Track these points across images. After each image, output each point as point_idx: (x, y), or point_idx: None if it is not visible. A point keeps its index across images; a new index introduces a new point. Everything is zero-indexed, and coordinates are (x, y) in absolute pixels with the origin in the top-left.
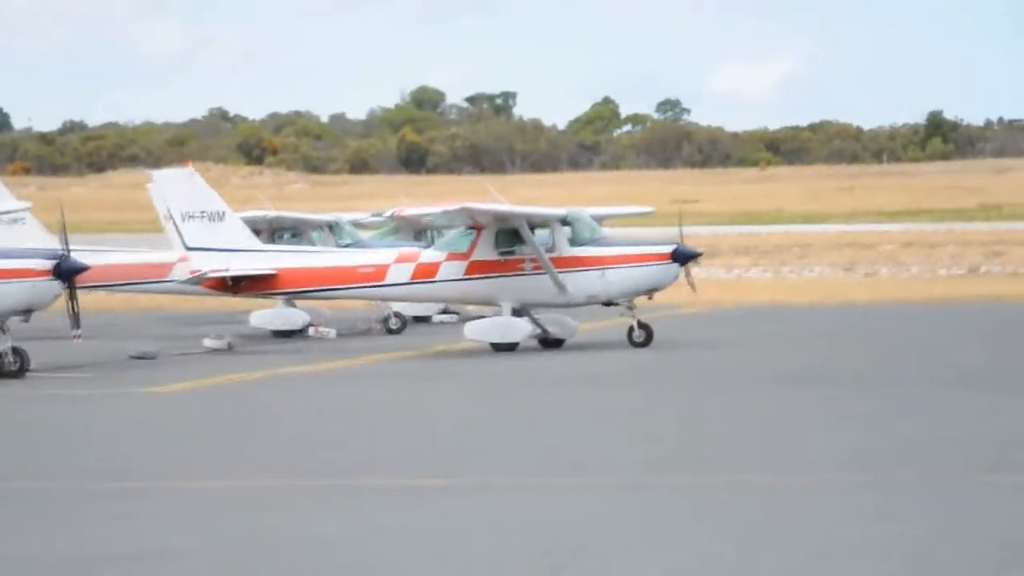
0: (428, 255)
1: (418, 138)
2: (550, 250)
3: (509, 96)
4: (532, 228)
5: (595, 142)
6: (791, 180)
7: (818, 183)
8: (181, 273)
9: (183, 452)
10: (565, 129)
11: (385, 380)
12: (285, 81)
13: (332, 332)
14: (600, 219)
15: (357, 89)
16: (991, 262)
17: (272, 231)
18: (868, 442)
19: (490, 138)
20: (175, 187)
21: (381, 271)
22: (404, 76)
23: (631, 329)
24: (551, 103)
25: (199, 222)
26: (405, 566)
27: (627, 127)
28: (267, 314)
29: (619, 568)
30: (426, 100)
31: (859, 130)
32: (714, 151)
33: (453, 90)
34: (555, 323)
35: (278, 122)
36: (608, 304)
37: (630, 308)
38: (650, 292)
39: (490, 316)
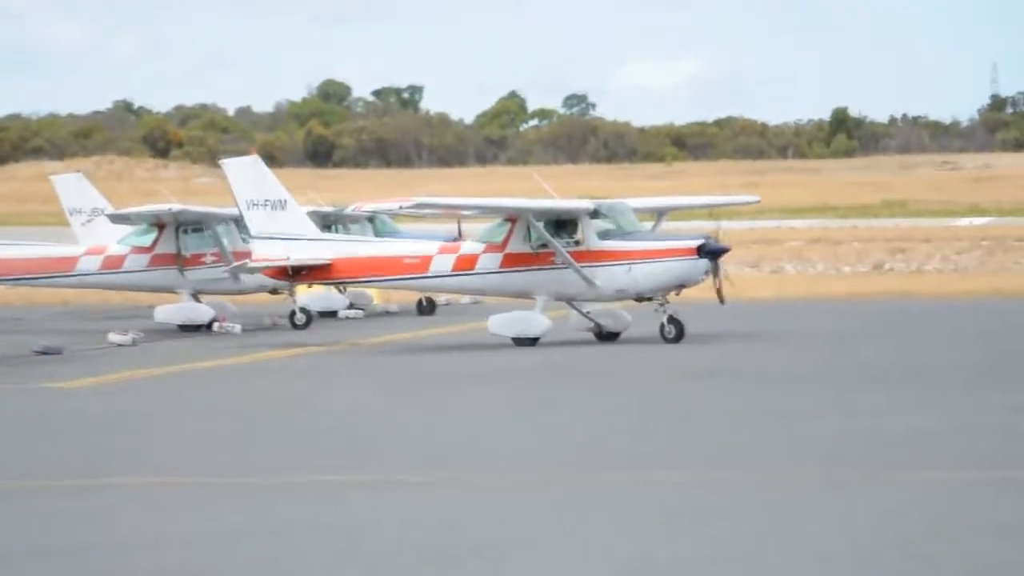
0: (469, 246)
1: (325, 131)
2: (579, 244)
3: (416, 90)
4: (562, 222)
5: (502, 136)
6: (697, 175)
7: (724, 179)
8: (87, 267)
9: (86, 448)
10: (472, 123)
11: (290, 375)
12: (191, 74)
13: (237, 327)
14: (706, 207)
15: (264, 82)
16: (895, 259)
17: (177, 225)
18: (769, 437)
19: (397, 132)
20: (240, 174)
21: (426, 262)
22: (311, 70)
23: (662, 325)
24: (458, 97)
25: (262, 210)
26: (308, 562)
27: (534, 122)
28: (172, 309)
29: (518, 564)
30: (333, 94)
31: (764, 126)
32: (620, 146)
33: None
34: (609, 316)
35: (184, 115)
36: (640, 299)
37: (662, 304)
38: (678, 288)
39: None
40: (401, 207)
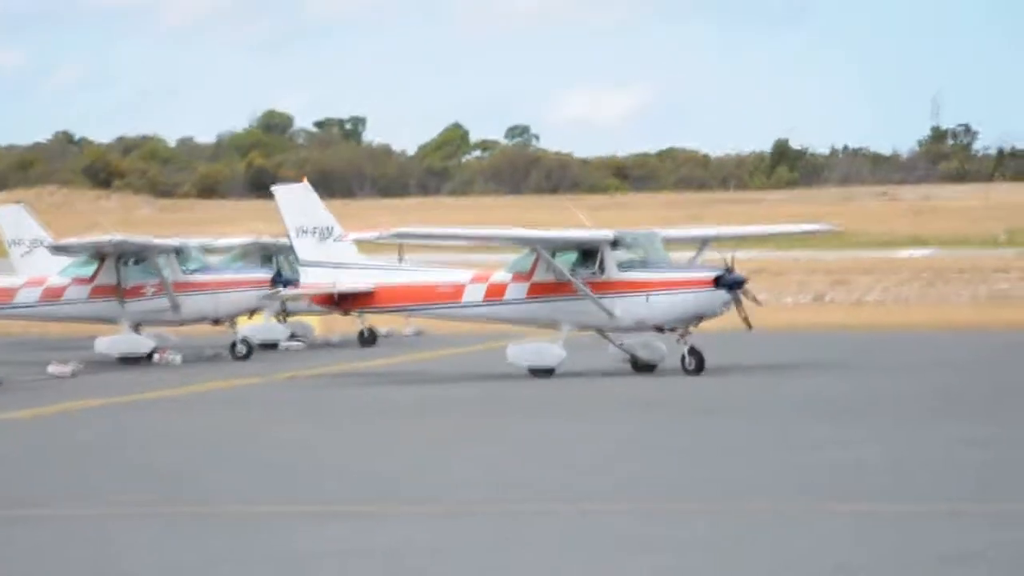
0: (498, 276)
1: (266, 162)
2: (597, 274)
3: (358, 121)
4: (585, 252)
5: (444, 167)
6: (640, 207)
7: (666, 211)
8: (26, 298)
9: (26, 480)
10: (414, 154)
11: (230, 407)
12: (132, 104)
13: (178, 358)
14: (774, 236)
15: (205, 113)
16: (836, 290)
17: (118, 256)
18: (715, 471)
19: (339, 163)
20: (290, 201)
21: (459, 291)
22: (252, 100)
23: (683, 356)
24: (401, 128)
25: (311, 237)
26: None
27: (476, 152)
28: (113, 340)
29: None
30: (274, 124)
31: (706, 157)
32: (563, 177)
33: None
34: (644, 347)
35: (125, 145)
36: (660, 330)
37: (683, 336)
38: (697, 319)
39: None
40: (379, 237)
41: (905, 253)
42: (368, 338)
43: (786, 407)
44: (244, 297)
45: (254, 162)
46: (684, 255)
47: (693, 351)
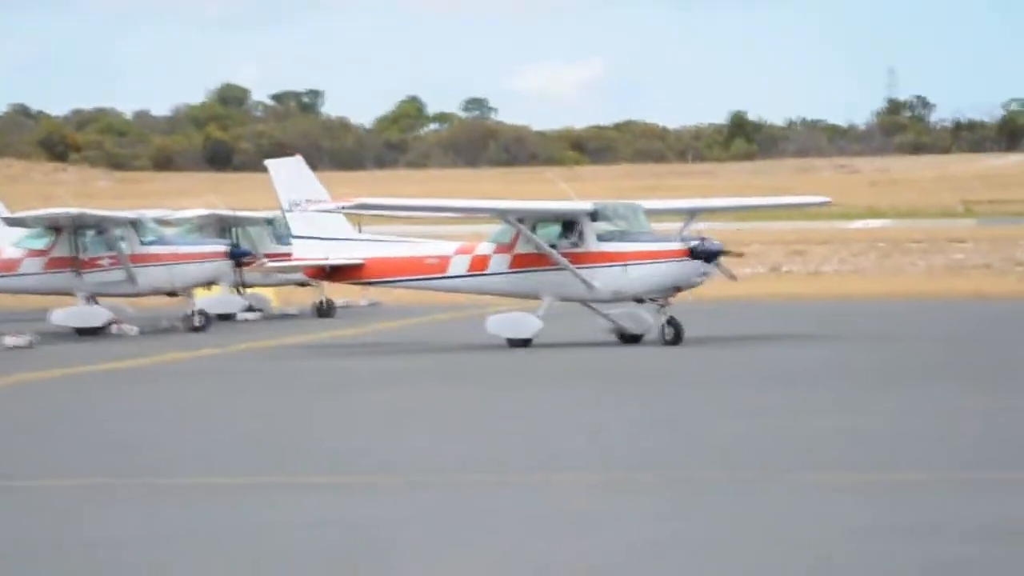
0: (482, 247)
1: (224, 135)
2: (577, 245)
3: (316, 94)
4: (566, 223)
5: (401, 140)
6: (597, 179)
7: (623, 182)
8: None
9: None
10: (372, 127)
11: (187, 378)
12: (88, 77)
13: (134, 330)
14: (766, 208)
15: (162, 86)
16: (793, 260)
17: (75, 228)
18: (670, 442)
19: (296, 136)
20: (283, 175)
21: (444, 263)
22: (209, 73)
23: (662, 327)
24: (358, 101)
25: (303, 210)
26: (197, 566)
27: (433, 126)
28: (69, 312)
29: (417, 567)
30: (231, 97)
31: (664, 130)
32: (520, 150)
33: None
34: (630, 318)
35: (81, 119)
36: (639, 301)
37: (662, 306)
38: (674, 290)
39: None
40: (342, 207)
41: (861, 224)
42: (325, 309)
43: (737, 377)
44: (201, 269)
45: (211, 135)
46: (674, 227)
47: (671, 322)
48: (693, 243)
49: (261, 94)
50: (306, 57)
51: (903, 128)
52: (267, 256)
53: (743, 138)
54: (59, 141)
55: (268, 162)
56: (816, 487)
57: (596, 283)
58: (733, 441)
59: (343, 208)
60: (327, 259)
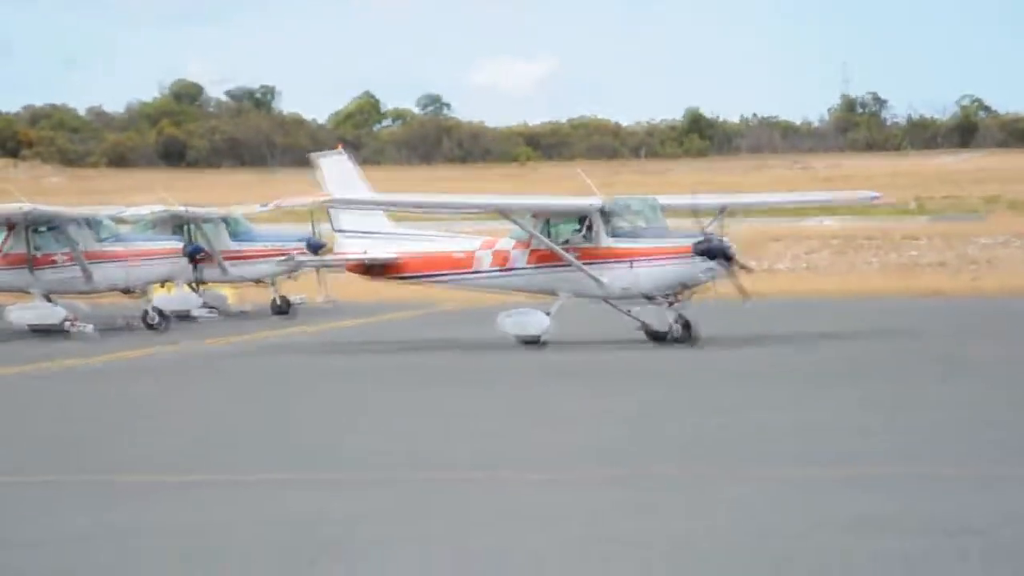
0: (503, 243)
1: (177, 131)
2: (588, 241)
3: (269, 91)
4: (582, 219)
5: (356, 137)
6: (551, 176)
7: (577, 179)
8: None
9: None
10: (325, 123)
11: (141, 376)
12: (40, 73)
13: (90, 328)
14: (821, 204)
15: (115, 82)
16: (746, 258)
17: (27, 225)
18: (631, 438)
19: (250, 132)
20: (329, 169)
21: (470, 258)
22: (162, 69)
23: (670, 325)
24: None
25: (350, 207)
26: (154, 563)
27: (388, 122)
28: (24, 310)
29: (372, 563)
30: (185, 93)
31: (618, 126)
32: (475, 146)
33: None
34: (654, 316)
35: (33, 115)
36: (648, 299)
37: (671, 304)
38: (680, 288)
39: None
40: (314, 203)
41: (815, 221)
42: (282, 307)
43: (696, 373)
44: (157, 267)
45: (164, 131)
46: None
47: (680, 319)
48: (698, 240)
49: (215, 90)
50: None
51: (857, 125)
52: (223, 254)
53: (697, 135)
54: (11, 137)
55: (314, 156)
56: (778, 481)
57: (605, 280)
58: (697, 437)
59: (316, 203)
60: (365, 254)
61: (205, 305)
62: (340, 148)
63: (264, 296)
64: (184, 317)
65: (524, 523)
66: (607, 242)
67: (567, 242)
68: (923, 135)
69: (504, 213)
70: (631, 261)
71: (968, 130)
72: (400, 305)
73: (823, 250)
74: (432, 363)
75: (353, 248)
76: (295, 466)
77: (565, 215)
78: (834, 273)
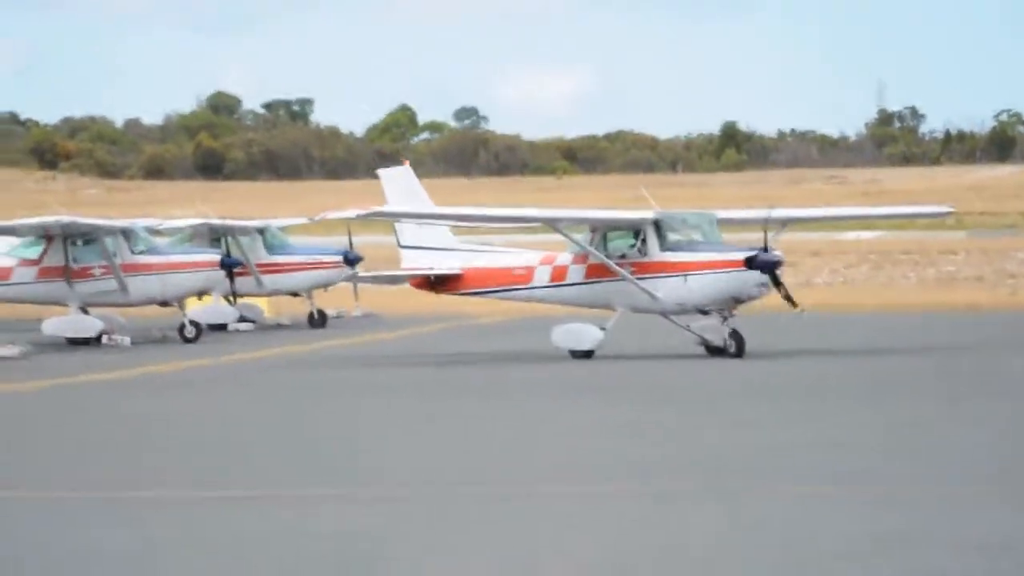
0: (562, 257)
1: (214, 144)
2: (643, 254)
3: (306, 103)
4: (636, 233)
5: (393, 150)
6: (587, 189)
7: (614, 192)
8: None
9: None
10: (363, 136)
11: (178, 388)
12: (79, 85)
13: (127, 340)
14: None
15: (153, 94)
16: (784, 272)
17: (66, 237)
18: (649, 452)
19: (287, 144)
20: (394, 184)
21: (529, 273)
22: (200, 81)
23: (724, 339)
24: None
25: (411, 220)
26: None
27: (424, 135)
28: (61, 322)
29: None
30: (222, 106)
31: (655, 140)
32: (511, 159)
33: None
34: (711, 330)
35: (72, 127)
36: (702, 312)
37: (725, 318)
38: (733, 302)
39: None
40: (357, 216)
41: (852, 235)
42: (318, 320)
43: (727, 388)
44: (192, 279)
45: (202, 143)
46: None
47: (734, 334)
48: (750, 253)
49: (252, 102)
50: (297, 65)
51: (894, 139)
52: (258, 266)
53: (733, 148)
54: (49, 149)
55: (380, 171)
56: (808, 498)
57: (659, 294)
58: (723, 451)
59: (359, 216)
60: (432, 269)
61: (241, 318)
62: (406, 163)
63: (301, 308)
64: (220, 329)
65: (550, 538)
66: (660, 255)
67: (623, 256)
68: (960, 149)
69: (555, 227)
70: (685, 274)
71: (1005, 144)
72: (435, 317)
73: (861, 264)
74: (467, 375)
75: (419, 263)
76: (326, 480)
77: (618, 228)
78: (871, 287)
